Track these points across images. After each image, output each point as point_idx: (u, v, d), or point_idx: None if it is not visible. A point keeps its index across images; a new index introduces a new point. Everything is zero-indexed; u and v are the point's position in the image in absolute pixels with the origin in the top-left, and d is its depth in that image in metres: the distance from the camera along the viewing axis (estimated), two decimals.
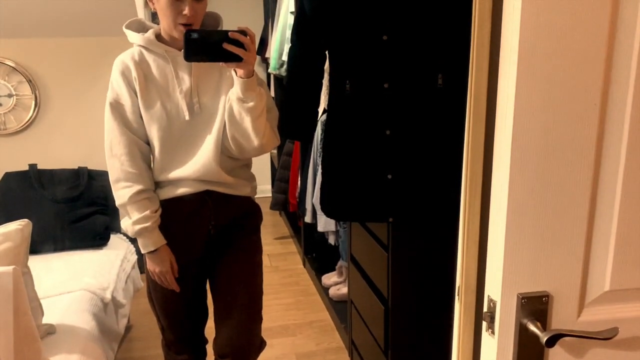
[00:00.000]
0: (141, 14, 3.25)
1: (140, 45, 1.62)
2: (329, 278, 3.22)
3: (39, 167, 2.87)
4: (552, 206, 0.83)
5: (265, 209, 2.14)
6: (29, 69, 3.33)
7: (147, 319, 3.05)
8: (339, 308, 2.95)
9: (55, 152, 3.34)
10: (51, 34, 3.29)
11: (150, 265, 1.66)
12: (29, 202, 2.64)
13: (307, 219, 3.31)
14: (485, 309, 0.89)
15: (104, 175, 2.91)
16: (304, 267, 3.71)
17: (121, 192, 1.60)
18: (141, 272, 3.27)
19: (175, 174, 1.63)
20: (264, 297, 2.67)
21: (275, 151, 4.56)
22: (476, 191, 0.88)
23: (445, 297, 2.04)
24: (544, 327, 0.86)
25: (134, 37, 1.63)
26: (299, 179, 3.56)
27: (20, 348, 1.47)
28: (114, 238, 2.88)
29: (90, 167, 2.98)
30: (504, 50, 0.79)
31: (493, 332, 0.88)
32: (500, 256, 0.84)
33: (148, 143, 1.64)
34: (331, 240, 3.17)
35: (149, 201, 1.61)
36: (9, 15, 3.04)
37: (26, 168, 2.87)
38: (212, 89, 1.62)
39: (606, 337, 0.83)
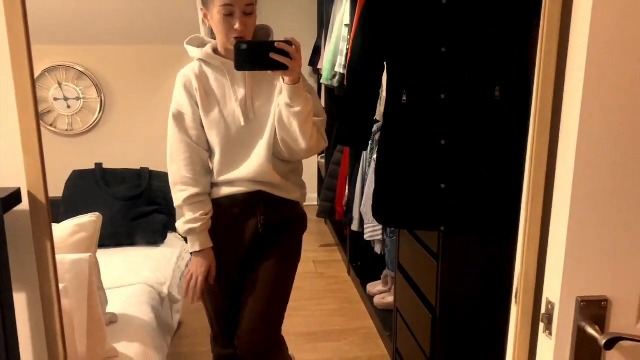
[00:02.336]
0: (202, 25, 3.41)
1: (200, 59, 1.76)
2: (374, 287, 3.25)
3: (104, 166, 3.03)
4: (616, 212, 0.86)
5: (311, 216, 2.20)
6: (96, 74, 3.53)
7: (196, 317, 3.15)
8: (384, 317, 2.98)
9: (119, 153, 3.52)
10: (117, 41, 3.48)
11: (192, 265, 1.76)
12: (94, 199, 2.80)
13: (354, 227, 3.36)
14: (543, 311, 0.92)
15: (163, 176, 3.04)
16: (349, 275, 3.76)
17: (178, 195, 1.73)
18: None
19: (232, 175, 1.75)
20: (309, 303, 2.73)
21: (323, 160, 4.64)
22: (539, 193, 0.92)
23: (494, 307, 2.05)
24: (602, 331, 0.88)
25: (194, 52, 1.77)
26: (347, 187, 3.61)
27: (91, 331, 1.57)
28: (171, 236, 3.01)
29: (152, 168, 3.13)
30: (572, 59, 0.83)
31: (551, 334, 0.91)
32: (560, 258, 0.87)
33: (207, 150, 1.76)
34: (377, 249, 3.21)
35: (201, 204, 1.73)
36: (78, 23, 3.24)
37: (91, 167, 3.04)
38: (264, 96, 1.73)
39: None
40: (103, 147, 3.57)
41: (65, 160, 3.38)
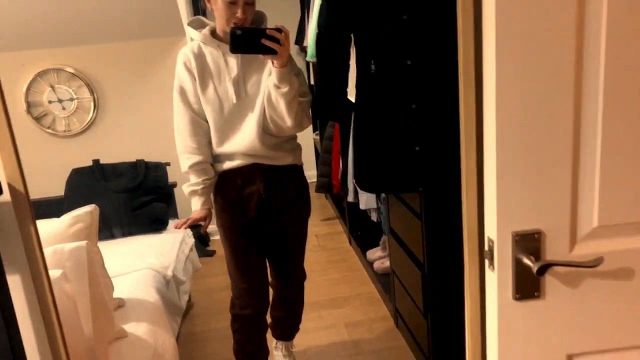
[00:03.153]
0: (184, 13, 3.48)
1: (199, 40, 1.93)
2: (374, 253, 3.36)
3: (101, 162, 3.14)
4: (538, 151, 0.94)
5: (311, 192, 2.32)
6: (86, 74, 3.62)
7: (207, 298, 3.29)
8: (384, 280, 3.09)
9: (115, 148, 3.63)
10: (103, 39, 3.57)
11: (193, 214, 2.01)
12: (94, 194, 2.92)
13: (350, 198, 3.46)
14: (486, 248, 1.01)
15: (159, 166, 3.16)
16: (350, 245, 3.86)
17: (184, 162, 1.97)
18: (200, 256, 3.52)
19: (227, 148, 1.95)
20: (314, 274, 2.98)
21: (318, 137, 4.72)
22: (471, 143, 1.00)
23: None
24: (538, 260, 0.97)
25: (193, 33, 1.94)
26: (341, 161, 3.70)
27: (97, 315, 1.69)
28: (172, 223, 3.12)
29: (147, 159, 3.24)
30: (486, 20, 0.91)
31: (493, 268, 1.00)
32: (493, 199, 0.96)
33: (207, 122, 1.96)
34: (373, 217, 3.31)
35: (203, 171, 1.96)
36: (63, 26, 3.32)
37: (90, 164, 3.15)
38: (255, 77, 1.91)
39: (591, 265, 0.94)
40: (101, 144, 3.68)
41: (66, 160, 3.50)
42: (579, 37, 0.90)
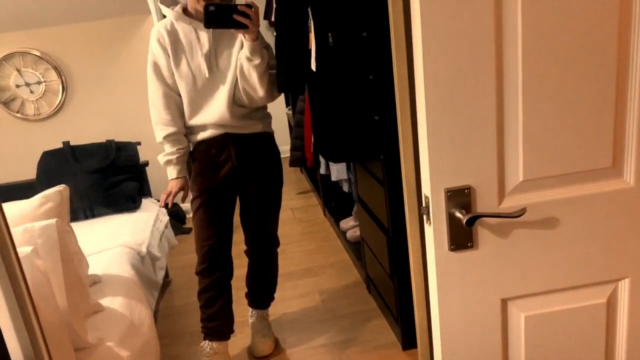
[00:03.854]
0: None
1: (171, 17, 2.02)
2: (347, 222, 3.45)
3: (72, 144, 3.16)
4: (465, 112, 1.02)
5: (285, 166, 2.41)
6: (52, 56, 3.61)
7: (184, 274, 3.37)
8: (356, 248, 3.19)
9: (85, 129, 3.65)
10: (67, 21, 3.55)
11: (169, 185, 2.14)
12: (66, 176, 2.95)
13: (322, 170, 3.53)
14: (423, 204, 1.10)
15: (129, 145, 3.19)
16: (325, 216, 3.96)
17: (158, 133, 2.09)
18: (175, 234, 3.58)
19: (199, 120, 2.07)
20: (289, 246, 3.10)
21: (290, 112, 4.77)
22: (406, 109, 1.07)
23: None
24: (467, 213, 1.06)
25: (166, 11, 2.05)
26: (312, 134, 3.76)
27: (71, 290, 1.75)
28: (146, 202, 3.18)
29: (117, 139, 3.26)
30: None
31: (430, 222, 1.08)
32: (426, 159, 1.04)
33: (180, 96, 2.07)
34: (345, 187, 3.39)
35: (177, 141, 2.09)
36: (25, 8, 3.30)
37: (61, 146, 3.16)
38: (226, 52, 2.02)
39: (515, 215, 1.03)
40: (71, 126, 3.69)
41: (37, 144, 3.51)
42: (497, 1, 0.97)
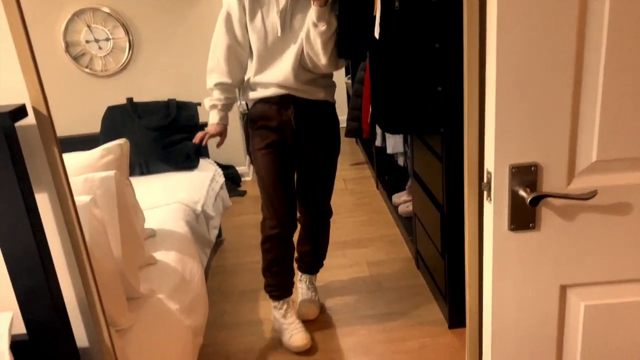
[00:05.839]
0: None
1: None
2: (399, 197, 3.40)
3: (135, 100, 3.24)
4: (539, 83, 0.94)
5: (341, 137, 2.38)
6: (121, 14, 3.68)
7: (237, 234, 3.43)
8: (408, 223, 3.14)
9: (148, 87, 3.73)
10: None
11: (209, 127, 2.16)
12: (128, 131, 3.03)
13: (378, 142, 3.48)
14: (485, 180, 1.04)
15: (190, 105, 3.23)
16: (377, 189, 3.91)
17: (211, 80, 2.11)
18: (230, 196, 3.64)
19: (264, 77, 2.06)
20: (340, 216, 3.07)
21: (350, 81, 4.70)
22: (474, 79, 1.01)
23: None
24: (533, 192, 1.00)
25: None
26: (370, 105, 3.70)
27: (126, 241, 1.81)
28: (203, 162, 3.23)
29: (179, 99, 3.32)
30: None
31: (490, 200, 1.03)
32: (492, 133, 0.98)
33: (246, 52, 2.07)
34: (400, 161, 3.33)
35: (228, 91, 2.12)
36: None
37: (124, 102, 3.25)
38: (300, 14, 1.98)
39: (585, 197, 0.96)
40: (135, 84, 3.78)
41: (103, 99, 3.62)
42: None
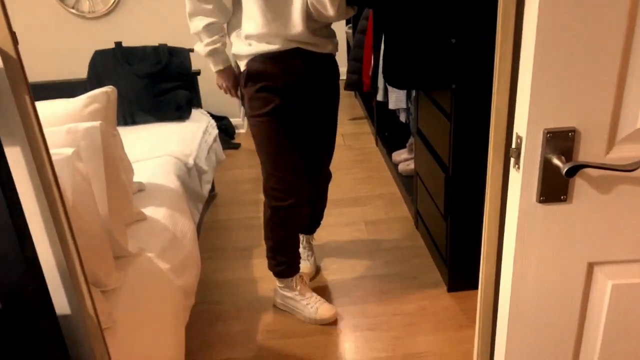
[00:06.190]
0: None
1: None
2: (400, 155, 3.29)
3: (124, 45, 3.05)
4: (584, 40, 0.82)
5: (340, 90, 2.21)
6: None
7: (231, 189, 3.33)
8: (407, 182, 3.04)
9: (138, 31, 3.52)
10: None
11: (219, 80, 1.99)
12: (116, 78, 2.86)
13: (379, 97, 3.33)
14: (513, 146, 0.93)
15: (182, 51, 3.06)
16: (376, 145, 3.79)
17: (195, 23, 1.87)
18: (224, 148, 3.51)
19: (267, 29, 1.80)
20: (338, 173, 2.91)
21: (350, 30, 4.50)
22: (509, 29, 0.88)
23: None
24: (568, 161, 0.89)
25: None
26: (372, 57, 3.52)
27: (113, 196, 1.69)
28: (196, 112, 3.08)
29: (170, 44, 3.13)
30: None
31: (519, 167, 0.92)
32: (527, 92, 0.86)
33: None
34: (402, 117, 3.19)
35: (218, 29, 1.90)
36: None
37: (113, 47, 3.07)
38: None
39: (628, 169, 0.85)
40: (125, 27, 3.57)
41: (90, 43, 3.42)
42: None
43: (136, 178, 2.20)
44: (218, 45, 1.90)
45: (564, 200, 0.92)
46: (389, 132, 3.67)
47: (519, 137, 0.90)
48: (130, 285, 1.60)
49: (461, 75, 1.88)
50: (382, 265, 2.49)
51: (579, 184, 0.91)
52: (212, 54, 1.92)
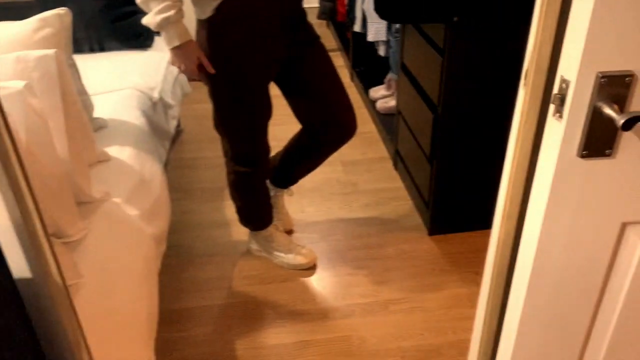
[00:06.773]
0: None
1: None
2: (377, 91, 3.13)
3: None
4: None
5: (312, 19, 2.00)
6: None
7: (198, 124, 3.12)
8: (386, 121, 2.91)
9: None
10: None
11: (175, 61, 1.58)
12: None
13: (357, 27, 3.13)
14: (555, 91, 0.80)
15: None
16: (352, 80, 3.62)
17: None
18: (189, 80, 3.26)
19: None
20: None
21: None
22: None
23: (497, 105, 1.94)
24: (622, 111, 0.77)
25: None
26: None
27: (73, 135, 1.50)
28: (159, 40, 2.81)
29: None
30: None
31: (561, 116, 0.79)
32: (583, 29, 0.72)
33: None
34: (381, 51, 3.02)
35: None
36: None
37: None
38: None
39: None
40: None
41: None
42: None
43: (97, 113, 1.99)
44: (172, 12, 1.47)
45: (608, 155, 0.81)
46: (366, 66, 3.49)
47: (564, 81, 0.78)
48: (97, 234, 1.44)
49: (466, 6, 1.72)
50: (360, 209, 2.40)
51: (628, 137, 0.80)
52: (163, 25, 1.49)
